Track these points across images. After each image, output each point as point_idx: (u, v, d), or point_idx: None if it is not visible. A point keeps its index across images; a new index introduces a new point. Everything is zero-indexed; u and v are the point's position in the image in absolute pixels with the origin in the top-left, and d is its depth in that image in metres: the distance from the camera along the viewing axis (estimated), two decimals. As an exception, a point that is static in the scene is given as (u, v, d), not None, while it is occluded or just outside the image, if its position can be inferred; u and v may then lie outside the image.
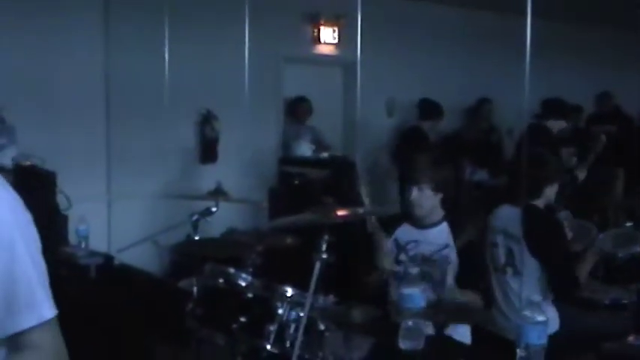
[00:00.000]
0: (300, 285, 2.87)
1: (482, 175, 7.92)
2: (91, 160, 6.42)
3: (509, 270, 3.91)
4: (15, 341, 1.57)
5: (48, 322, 1.58)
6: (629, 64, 10.08)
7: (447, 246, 3.61)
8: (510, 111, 7.96)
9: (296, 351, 2.67)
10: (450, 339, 3.45)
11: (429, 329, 3.03)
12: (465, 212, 6.24)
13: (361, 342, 2.82)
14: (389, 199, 7.52)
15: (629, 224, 4.80)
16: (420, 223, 3.71)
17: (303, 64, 8.05)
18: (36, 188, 5.05)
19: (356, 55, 6.73)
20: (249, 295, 3.03)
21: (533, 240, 3.77)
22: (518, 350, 2.44)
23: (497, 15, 8.52)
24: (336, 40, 8.01)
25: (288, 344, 2.83)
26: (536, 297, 2.62)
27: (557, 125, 6.84)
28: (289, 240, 3.89)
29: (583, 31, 9.77)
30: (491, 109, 8.81)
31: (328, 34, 7.95)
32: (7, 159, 5.30)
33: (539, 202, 3.96)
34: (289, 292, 2.92)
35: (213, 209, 4.09)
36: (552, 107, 6.91)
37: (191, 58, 6.69)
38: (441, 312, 2.96)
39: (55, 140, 5.90)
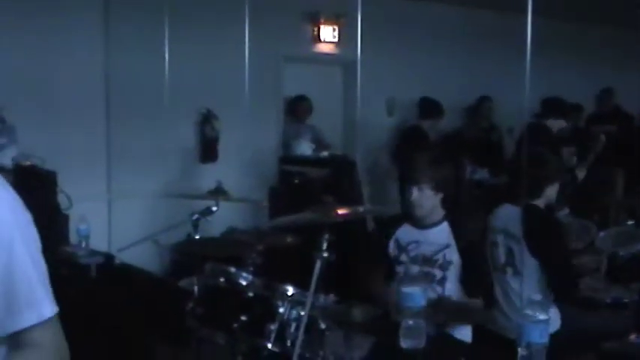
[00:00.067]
0: (301, 284, 2.87)
1: (482, 173, 7.91)
2: (92, 160, 6.42)
3: (509, 269, 3.91)
4: (16, 339, 1.57)
5: (49, 320, 1.59)
6: (630, 63, 10.08)
7: (447, 246, 3.60)
8: (511, 110, 7.96)
9: (297, 350, 2.67)
10: (451, 338, 3.45)
11: (430, 328, 3.03)
12: (466, 211, 6.24)
13: (362, 341, 2.82)
14: (389, 199, 7.53)
15: (630, 223, 4.79)
16: (420, 223, 3.70)
17: (304, 64, 8.05)
18: (36, 188, 5.05)
19: (356, 54, 6.73)
20: (250, 294, 3.03)
21: (533, 240, 3.76)
22: (519, 349, 2.43)
23: (498, 14, 8.52)
24: (336, 39, 8.01)
25: (288, 343, 2.83)
26: (537, 296, 2.62)
27: (556, 124, 6.84)
28: (290, 239, 3.89)
29: (583, 30, 9.77)
30: (492, 107, 8.81)
31: (328, 33, 7.95)
32: (7, 159, 5.30)
33: (540, 202, 3.96)
34: (290, 291, 2.92)
35: (214, 208, 4.09)
36: (552, 106, 6.91)
37: (191, 57, 6.69)
38: (441, 311, 2.96)
39: (56, 140, 5.90)
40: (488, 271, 3.90)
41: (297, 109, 7.82)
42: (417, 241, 3.67)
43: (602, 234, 4.50)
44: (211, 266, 3.27)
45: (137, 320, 4.15)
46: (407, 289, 2.80)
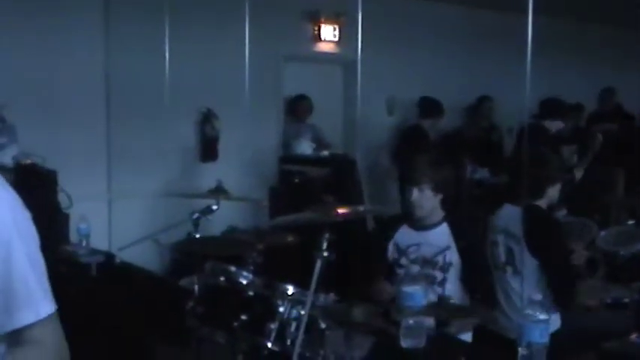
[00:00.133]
0: (301, 283, 2.87)
1: (483, 173, 7.91)
2: (92, 159, 6.42)
3: (509, 269, 3.90)
4: (15, 337, 1.58)
5: (47, 319, 1.59)
6: (630, 62, 10.08)
7: (448, 248, 3.60)
8: (511, 109, 7.96)
9: (297, 349, 2.67)
10: (451, 337, 3.44)
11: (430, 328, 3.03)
12: (466, 211, 6.24)
13: (362, 340, 2.82)
14: (389, 199, 7.52)
15: (630, 222, 4.79)
16: (419, 224, 3.70)
17: (304, 63, 8.06)
18: (37, 187, 5.06)
19: (356, 54, 6.72)
20: (250, 293, 3.03)
21: (533, 240, 3.76)
22: (520, 349, 2.43)
23: (498, 13, 8.52)
24: (336, 39, 8.01)
25: (289, 342, 2.83)
26: (538, 295, 2.62)
27: (554, 126, 6.85)
28: (290, 238, 3.89)
29: (584, 29, 9.77)
30: (492, 107, 8.81)
31: (329, 33, 7.95)
32: (7, 158, 5.31)
33: (542, 202, 3.95)
34: (290, 290, 2.92)
35: (214, 208, 4.09)
36: (549, 107, 6.91)
37: (191, 57, 6.69)
38: (441, 311, 2.96)
39: (56, 139, 5.90)
40: (489, 271, 3.90)
41: (297, 108, 7.81)
42: (417, 244, 3.66)
43: (602, 233, 4.50)
44: (211, 265, 3.27)
45: (137, 319, 4.15)
46: (407, 289, 2.80)
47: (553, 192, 3.99)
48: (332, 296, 2.89)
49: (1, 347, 1.59)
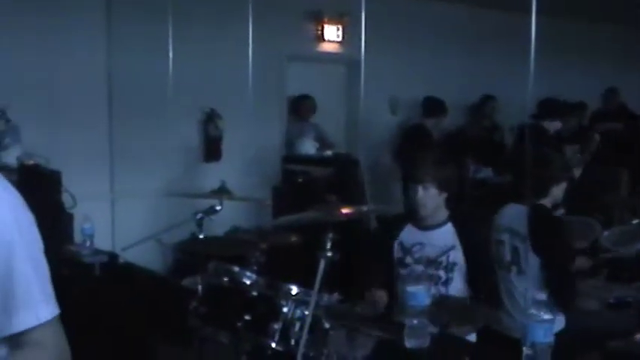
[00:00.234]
0: (305, 283, 2.87)
1: (486, 172, 7.91)
2: (95, 159, 6.43)
3: (514, 268, 3.90)
4: (16, 339, 1.57)
5: (49, 322, 1.58)
6: (634, 62, 10.06)
7: (452, 247, 3.59)
8: (514, 109, 7.95)
9: (301, 349, 2.66)
10: (455, 337, 3.44)
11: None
12: (470, 211, 6.23)
13: (366, 340, 2.81)
14: (392, 198, 7.52)
15: (635, 222, 4.78)
16: (423, 224, 3.69)
17: (307, 63, 8.06)
18: (40, 187, 5.06)
19: (360, 53, 6.72)
20: (254, 293, 3.02)
21: (537, 239, 3.76)
22: (524, 348, 2.42)
23: (501, 13, 8.51)
24: (339, 38, 8.01)
25: (292, 342, 2.82)
26: (542, 295, 2.61)
27: (552, 126, 6.84)
28: (293, 238, 3.89)
29: (588, 29, 9.76)
30: (495, 106, 8.81)
31: (332, 32, 7.95)
32: (11, 158, 5.32)
33: (547, 202, 3.95)
34: (294, 290, 2.91)
35: (218, 208, 4.08)
36: (548, 108, 6.91)
37: (194, 56, 6.68)
38: (445, 310, 2.95)
39: (59, 139, 5.91)
40: (493, 271, 3.89)
41: (300, 108, 7.81)
42: (421, 243, 3.66)
43: (606, 233, 4.49)
44: (215, 265, 3.26)
45: (140, 319, 4.15)
46: (411, 288, 2.80)
47: (557, 191, 3.99)
48: (336, 296, 2.88)
49: (2, 350, 1.58)
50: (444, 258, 3.56)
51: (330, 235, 2.71)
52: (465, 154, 7.71)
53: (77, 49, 6.24)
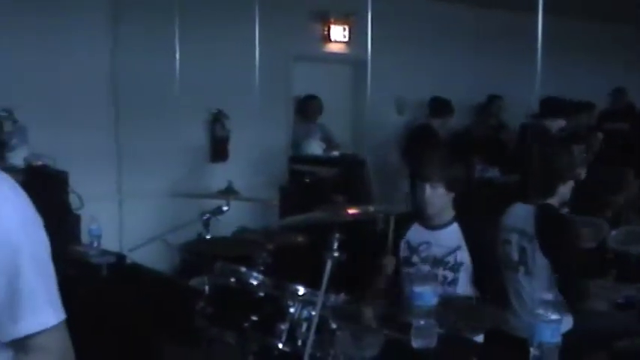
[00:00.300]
0: (311, 283, 2.86)
1: (493, 172, 7.89)
2: (102, 160, 6.44)
3: (522, 268, 3.89)
4: (21, 344, 1.56)
5: (54, 326, 1.57)
6: (640, 61, 10.05)
7: (458, 248, 3.59)
8: (520, 108, 7.93)
9: (308, 350, 2.66)
10: (462, 337, 3.43)
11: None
12: (476, 211, 6.22)
13: (373, 340, 2.81)
14: (399, 198, 7.51)
15: (642, 222, 4.78)
16: (430, 223, 3.69)
17: (313, 63, 8.05)
18: (47, 188, 5.08)
19: (366, 54, 6.73)
20: (261, 293, 3.02)
21: (545, 239, 3.75)
22: (531, 349, 2.42)
23: (508, 13, 8.50)
24: (346, 39, 8.00)
25: (299, 343, 2.82)
26: (549, 295, 2.61)
27: (555, 125, 6.82)
28: (300, 238, 3.89)
29: (594, 28, 9.73)
30: (502, 106, 8.79)
31: (338, 33, 7.95)
32: (18, 159, 5.33)
33: (554, 201, 3.93)
34: (301, 290, 2.91)
35: (225, 208, 4.09)
36: (550, 106, 6.89)
37: (201, 56, 6.70)
38: (452, 311, 2.95)
39: (66, 140, 5.91)
40: (500, 271, 3.88)
41: (307, 108, 7.81)
42: (427, 242, 3.66)
43: (613, 233, 4.48)
44: (221, 266, 3.26)
45: (147, 319, 4.16)
46: (418, 289, 2.79)
47: (564, 190, 3.97)
48: (342, 296, 2.88)
49: (8, 354, 1.58)
50: (450, 258, 3.56)
51: (337, 236, 2.71)
52: (471, 153, 7.70)
53: (84, 49, 6.25)
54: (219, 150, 7.13)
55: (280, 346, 2.85)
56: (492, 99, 8.77)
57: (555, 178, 3.94)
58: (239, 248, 4.04)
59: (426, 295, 2.77)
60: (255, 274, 3.15)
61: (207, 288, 3.19)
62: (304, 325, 2.83)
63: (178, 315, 3.75)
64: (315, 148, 7.58)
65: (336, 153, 7.55)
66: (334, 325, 2.78)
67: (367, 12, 6.32)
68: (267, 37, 6.51)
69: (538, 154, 3.91)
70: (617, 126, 8.18)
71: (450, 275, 3.55)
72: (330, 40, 7.97)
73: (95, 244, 4.63)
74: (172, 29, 6.26)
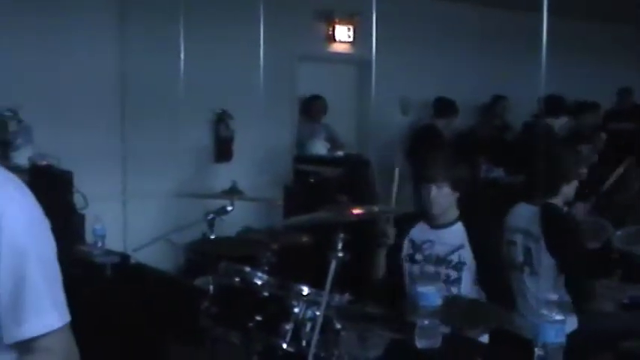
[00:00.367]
0: (316, 283, 2.87)
1: (498, 172, 7.88)
2: (106, 160, 6.44)
3: (527, 269, 3.88)
4: (25, 346, 1.57)
5: (59, 329, 1.58)
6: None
7: (461, 247, 3.58)
8: (525, 108, 7.93)
9: (312, 350, 2.66)
10: (466, 338, 3.43)
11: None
12: (481, 211, 6.21)
13: (377, 341, 2.81)
14: (403, 198, 7.50)
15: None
16: (434, 222, 3.69)
17: (318, 63, 8.05)
18: (52, 188, 5.09)
19: (370, 54, 6.72)
20: (265, 293, 3.02)
21: (551, 239, 3.74)
22: (536, 349, 2.41)
23: (512, 13, 8.50)
24: (350, 39, 8.00)
25: (304, 343, 2.82)
26: (554, 296, 2.60)
27: (558, 122, 6.81)
28: (304, 238, 3.88)
29: (599, 28, 9.72)
30: (506, 106, 8.78)
31: (343, 33, 7.95)
32: (23, 159, 5.34)
33: (558, 201, 3.93)
34: (305, 290, 2.91)
35: (229, 208, 4.09)
36: (551, 104, 6.88)
37: (206, 57, 6.70)
38: (456, 311, 2.94)
39: (71, 140, 5.92)
40: (505, 271, 3.88)
41: (311, 108, 7.81)
42: (431, 241, 3.66)
43: (618, 233, 4.47)
44: (226, 266, 3.27)
45: (152, 319, 4.16)
46: (422, 289, 2.79)
47: (568, 190, 3.97)
48: (347, 296, 2.88)
49: (12, 356, 1.59)
50: (453, 256, 3.56)
51: (341, 236, 2.71)
52: (476, 154, 7.70)
53: (90, 49, 6.26)
54: (223, 150, 7.13)
55: (284, 346, 2.85)
56: (497, 99, 8.76)
57: (559, 178, 3.93)
58: (243, 248, 4.04)
59: (431, 295, 2.77)
60: (259, 274, 3.15)
61: (211, 288, 3.20)
62: (308, 325, 2.83)
63: (183, 315, 3.75)
64: (319, 148, 7.57)
65: (340, 153, 7.55)
66: (338, 325, 2.78)
67: (372, 12, 6.31)
68: (271, 37, 6.50)
69: (542, 154, 3.90)
70: (623, 126, 8.16)
71: (453, 274, 3.55)
72: (335, 40, 7.97)
73: (99, 244, 4.64)
74: (177, 29, 6.26)
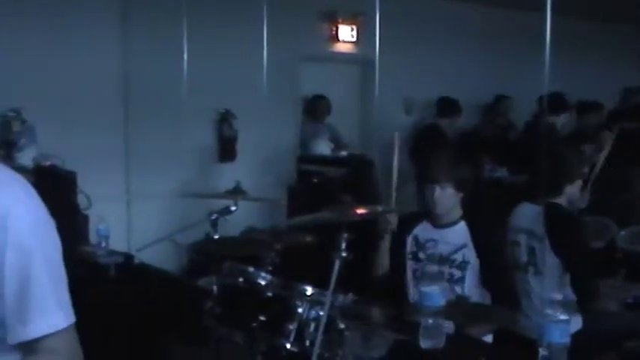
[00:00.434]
0: (319, 283, 2.86)
1: (501, 172, 7.88)
2: (110, 160, 6.45)
3: (531, 269, 3.88)
4: (30, 346, 1.57)
5: (64, 329, 1.58)
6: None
7: (464, 246, 3.58)
8: (529, 108, 7.93)
9: (316, 350, 2.66)
10: (470, 338, 3.42)
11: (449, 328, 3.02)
12: (485, 211, 6.21)
13: (381, 340, 2.80)
14: (406, 197, 7.50)
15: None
16: (438, 222, 3.69)
17: (321, 63, 8.06)
18: (56, 188, 5.09)
19: (374, 54, 6.71)
20: (269, 293, 3.02)
21: (555, 239, 3.74)
22: (540, 349, 2.41)
23: (516, 12, 8.49)
24: (354, 39, 8.01)
25: (307, 343, 2.82)
26: (558, 295, 2.60)
27: (559, 120, 6.80)
28: (308, 238, 3.88)
29: (602, 28, 9.71)
30: (510, 105, 8.77)
31: (346, 33, 7.95)
32: (27, 159, 5.35)
33: (561, 200, 3.92)
34: (309, 290, 2.91)
35: (233, 208, 4.09)
36: (553, 103, 6.87)
37: (209, 57, 6.70)
38: (460, 311, 2.94)
39: (75, 140, 5.93)
40: (509, 271, 3.87)
41: (315, 108, 7.82)
42: (434, 240, 3.66)
43: (622, 232, 4.46)
44: (229, 266, 3.27)
45: (155, 319, 4.16)
46: (425, 288, 2.79)
47: (572, 190, 3.96)
48: (350, 296, 2.88)
49: (16, 356, 1.59)
50: (457, 256, 3.56)
51: (345, 236, 2.71)
52: (479, 153, 7.69)
53: (93, 49, 6.27)
54: (227, 150, 7.13)
55: (288, 346, 2.85)
56: (500, 99, 8.75)
57: (562, 177, 3.93)
58: (247, 248, 4.04)
59: (434, 295, 2.77)
60: (263, 274, 3.15)
61: (215, 288, 3.20)
62: (312, 325, 2.83)
63: (187, 315, 3.75)
64: (323, 148, 7.57)
65: (344, 153, 7.55)
66: (342, 325, 2.78)
67: (375, 12, 6.31)
68: (274, 37, 6.50)
69: (545, 154, 3.90)
70: (627, 126, 8.13)
71: (457, 273, 3.55)
72: (338, 40, 7.97)
73: (103, 245, 4.64)
74: (180, 29, 6.27)
